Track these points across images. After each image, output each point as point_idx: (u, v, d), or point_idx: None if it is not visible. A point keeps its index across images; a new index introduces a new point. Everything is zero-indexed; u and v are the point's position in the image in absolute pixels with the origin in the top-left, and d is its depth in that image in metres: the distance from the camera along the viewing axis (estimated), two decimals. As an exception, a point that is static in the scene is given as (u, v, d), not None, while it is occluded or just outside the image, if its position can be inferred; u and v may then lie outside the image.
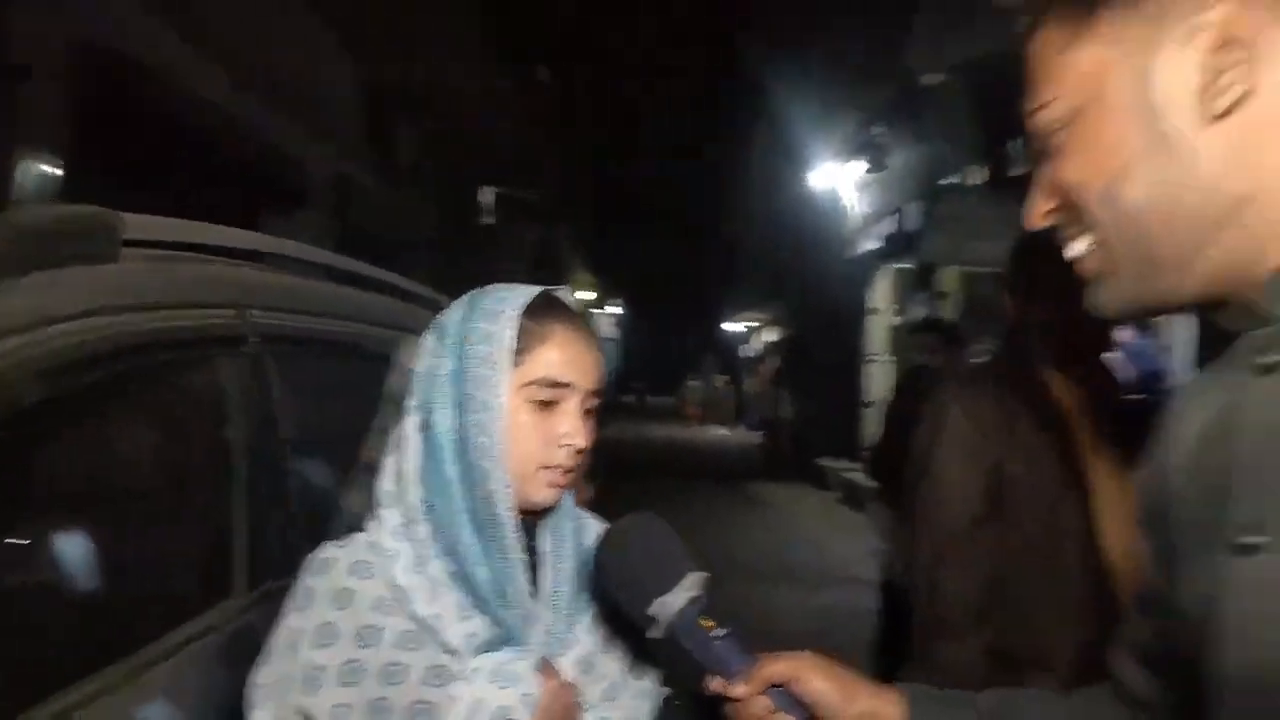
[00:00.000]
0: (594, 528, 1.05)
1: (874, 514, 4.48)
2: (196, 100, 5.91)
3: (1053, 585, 1.46)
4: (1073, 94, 0.64)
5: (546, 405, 0.93)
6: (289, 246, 2.04)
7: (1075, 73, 0.64)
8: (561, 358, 0.94)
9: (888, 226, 9.66)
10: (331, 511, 1.70)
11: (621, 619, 0.97)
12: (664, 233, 38.79)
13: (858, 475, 9.41)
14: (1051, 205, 0.67)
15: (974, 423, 1.49)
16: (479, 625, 0.91)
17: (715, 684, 0.82)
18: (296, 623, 0.92)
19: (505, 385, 0.92)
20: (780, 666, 0.81)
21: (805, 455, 13.15)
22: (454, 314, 0.98)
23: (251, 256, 1.87)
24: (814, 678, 0.80)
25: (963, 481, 1.49)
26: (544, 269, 19.14)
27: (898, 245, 9.30)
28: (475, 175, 13.48)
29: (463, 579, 0.91)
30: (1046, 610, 1.48)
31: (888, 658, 3.73)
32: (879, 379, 10.70)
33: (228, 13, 6.35)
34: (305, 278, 2.03)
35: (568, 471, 0.95)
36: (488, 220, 14.76)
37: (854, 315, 12.77)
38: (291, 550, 1.63)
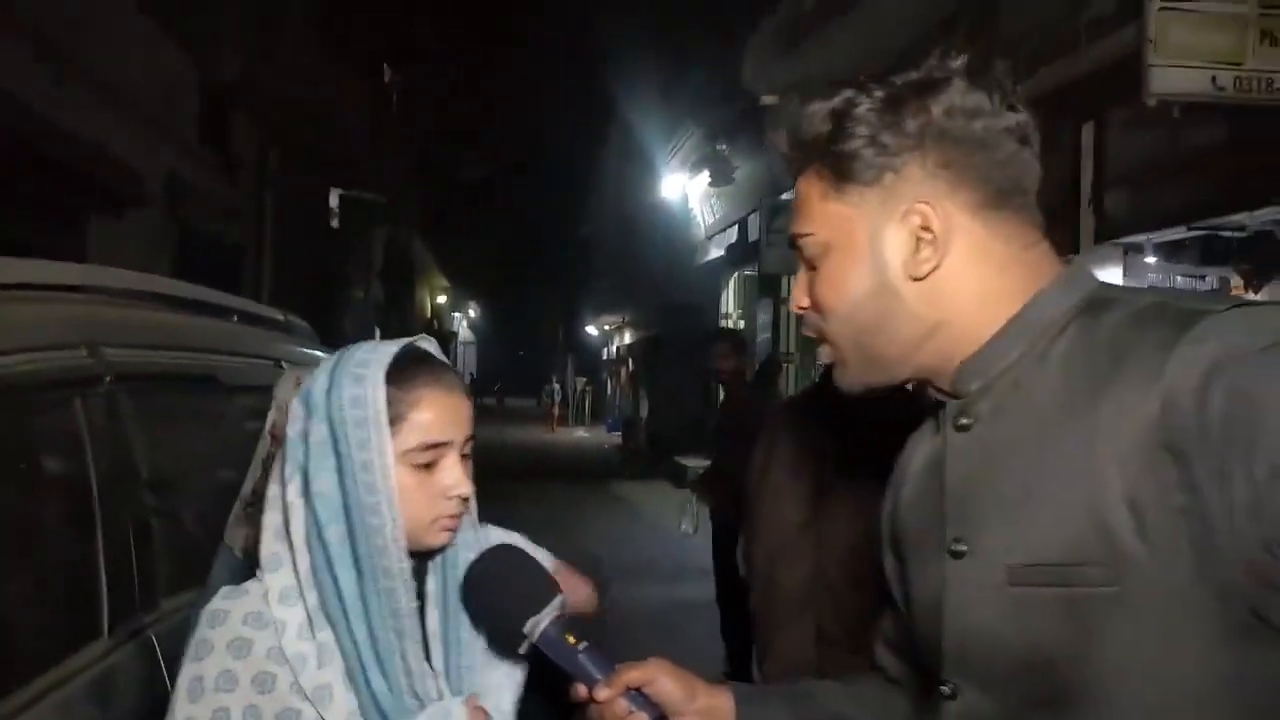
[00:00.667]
0: (480, 541, 1.09)
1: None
2: (9, 99, 5.49)
3: (862, 581, 1.69)
4: (825, 233, 0.83)
5: (428, 465, 0.96)
6: (138, 280, 2.01)
7: (828, 219, 0.83)
8: (434, 419, 0.96)
9: (732, 236, 10.09)
10: (200, 545, 1.72)
11: (496, 642, 1.05)
12: (519, 236, 38.50)
13: (712, 473, 9.76)
14: (807, 304, 0.87)
15: (798, 447, 1.71)
16: (364, 697, 0.94)
17: (581, 690, 0.93)
18: (197, 670, 0.95)
19: (385, 446, 0.94)
20: (635, 673, 0.92)
21: (662, 453, 13.50)
22: (320, 382, 0.99)
23: (100, 290, 1.84)
24: (663, 680, 0.92)
25: (791, 495, 1.72)
26: (393, 273, 18.66)
27: (741, 254, 9.73)
28: (319, 177, 12.99)
29: (347, 645, 0.94)
30: (864, 602, 1.71)
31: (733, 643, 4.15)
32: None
33: (46, 3, 5.94)
34: (155, 309, 2.01)
35: (456, 516, 0.99)
36: (333, 223, 14.29)
37: (706, 319, 13.22)
38: (154, 588, 1.65)
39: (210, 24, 8.46)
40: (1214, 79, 3.15)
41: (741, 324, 12.54)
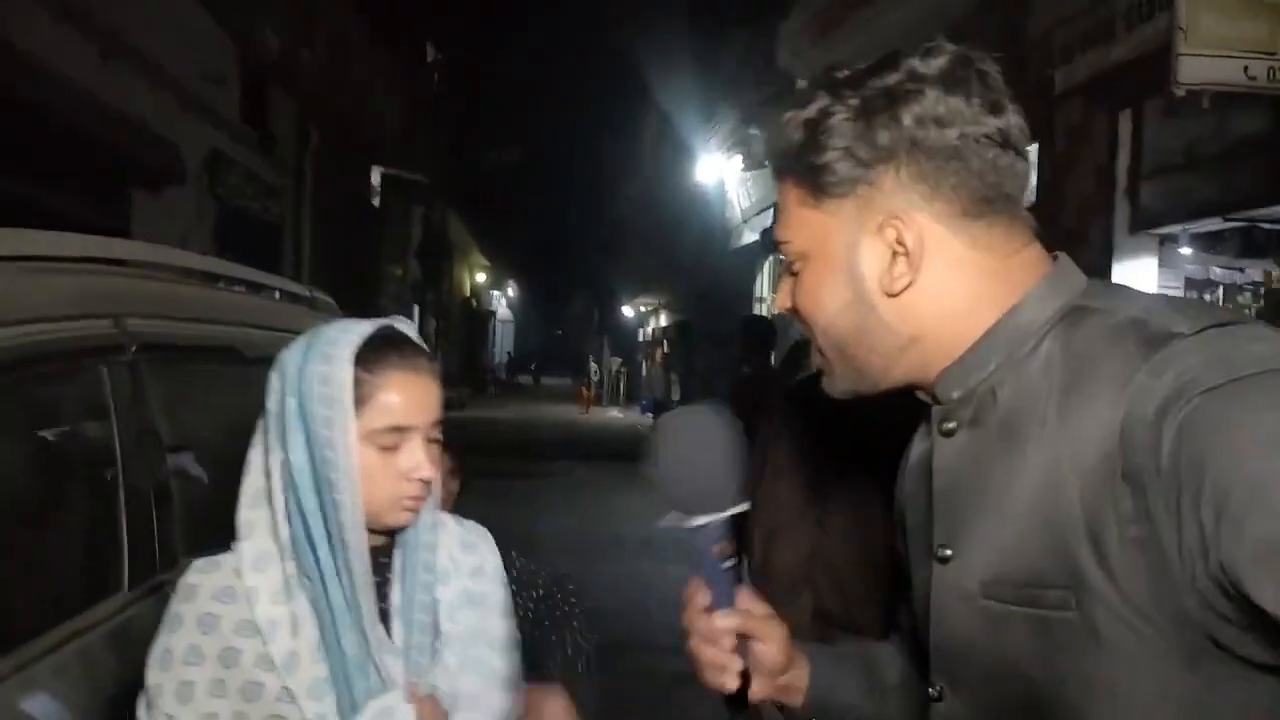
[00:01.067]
0: (453, 530, 1.14)
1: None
2: (59, 77, 5.66)
3: (861, 563, 1.72)
4: (804, 241, 0.83)
5: (392, 447, 0.99)
6: (163, 253, 2.09)
7: (807, 227, 0.82)
8: (400, 403, 0.99)
9: (767, 220, 10.05)
10: (221, 510, 1.80)
11: (483, 615, 1.09)
12: (558, 217, 38.55)
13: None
14: (789, 305, 0.86)
15: (802, 430, 1.75)
16: (327, 670, 0.98)
17: (701, 599, 0.88)
18: (167, 642, 1.01)
19: (349, 423, 0.97)
20: (755, 621, 0.89)
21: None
22: (293, 354, 1.01)
23: (126, 264, 1.92)
24: (774, 642, 0.90)
25: (791, 477, 1.77)
26: (431, 251, 18.82)
27: (773, 238, 9.65)
28: (359, 155, 13.14)
29: (323, 609, 0.98)
30: (857, 582, 1.74)
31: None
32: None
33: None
34: (181, 282, 2.09)
35: (418, 498, 1.02)
36: (374, 201, 14.46)
37: (740, 302, 13.18)
38: (174, 549, 1.73)
39: (252, 2, 8.59)
40: (1246, 69, 3.07)
41: (776, 309, 12.47)
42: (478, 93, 22.56)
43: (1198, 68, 3.09)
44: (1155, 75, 3.45)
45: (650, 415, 17.12)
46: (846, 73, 0.80)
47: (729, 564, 0.88)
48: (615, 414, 23.46)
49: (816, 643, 1.06)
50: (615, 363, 28.40)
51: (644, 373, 25.76)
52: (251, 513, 1.03)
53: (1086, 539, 0.69)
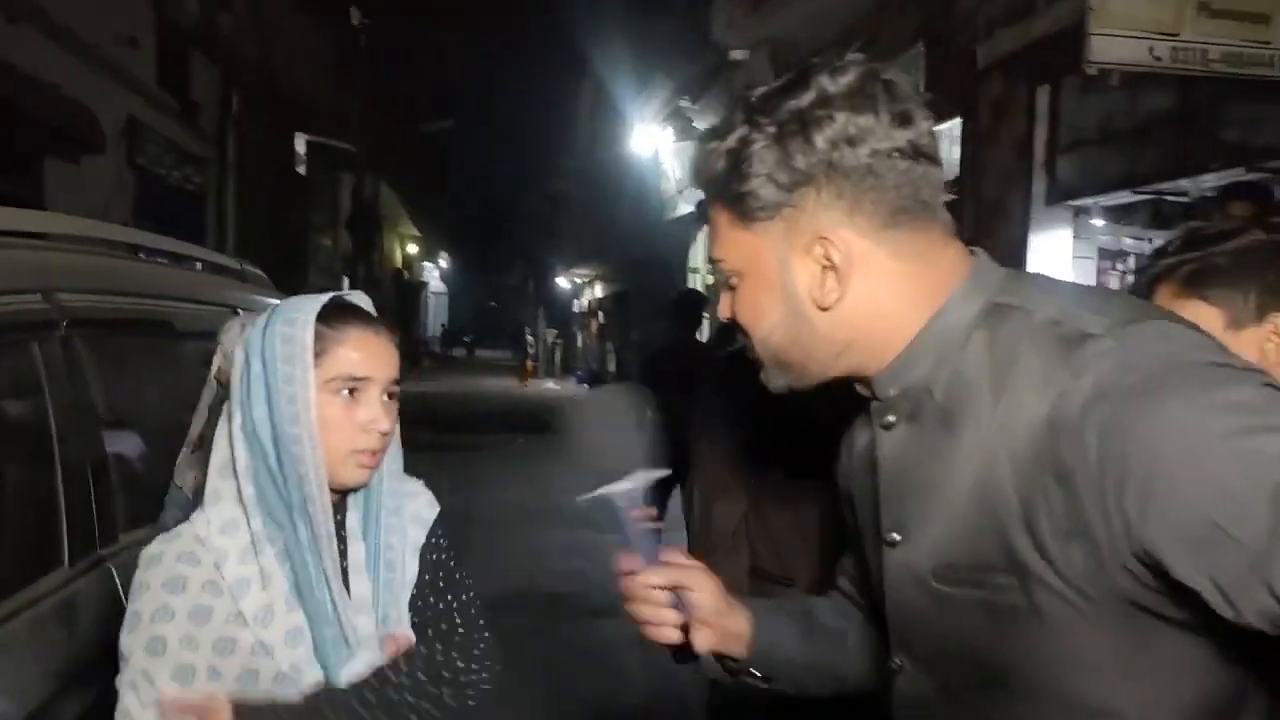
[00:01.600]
0: (423, 497, 1.19)
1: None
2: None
3: (794, 522, 1.82)
4: (737, 261, 0.87)
5: (350, 397, 1.05)
6: (92, 227, 2.05)
7: (739, 247, 0.86)
8: (358, 355, 1.06)
9: (699, 192, 10.09)
10: (157, 484, 1.79)
11: (442, 586, 1.13)
12: (492, 187, 38.00)
13: (676, 426, 9.88)
14: (729, 317, 0.91)
15: (736, 397, 1.81)
16: (301, 619, 1.04)
17: (629, 562, 0.95)
18: (135, 608, 1.04)
19: (309, 380, 1.03)
20: (683, 572, 0.96)
21: (629, 407, 13.58)
22: (258, 324, 1.08)
23: (54, 238, 1.89)
24: (705, 591, 0.96)
25: (727, 440, 1.85)
26: (361, 222, 18.42)
27: (709, 257, 9.70)
28: (284, 122, 12.75)
29: (291, 561, 1.04)
30: (791, 540, 1.84)
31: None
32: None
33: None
34: (112, 256, 2.05)
35: (375, 453, 1.07)
36: (299, 169, 14.08)
37: (676, 273, 13.27)
38: (114, 524, 1.73)
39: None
40: (1151, 49, 3.23)
41: (710, 279, 12.61)
42: (408, 60, 22.00)
43: (1107, 47, 3.24)
44: (1071, 52, 3.61)
45: (587, 386, 17.17)
46: (761, 96, 0.84)
47: (651, 527, 0.94)
48: (551, 385, 23.41)
49: (755, 597, 1.13)
50: (551, 334, 28.31)
51: (580, 344, 25.75)
52: (220, 481, 1.07)
53: (1024, 528, 0.75)
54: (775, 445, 1.81)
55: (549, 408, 16.60)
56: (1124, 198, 4.93)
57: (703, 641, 0.96)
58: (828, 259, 0.82)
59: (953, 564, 0.80)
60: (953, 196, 0.89)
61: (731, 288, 0.89)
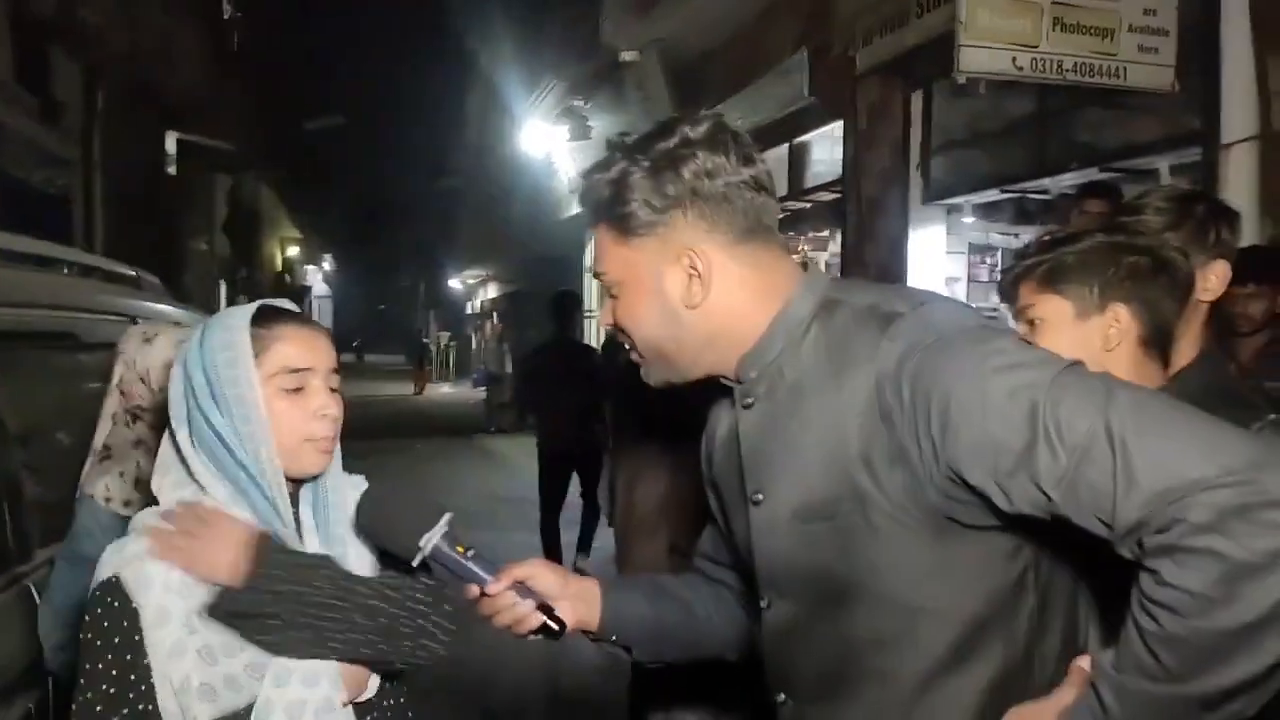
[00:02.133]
0: (353, 483, 1.22)
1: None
2: None
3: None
4: (618, 273, 1.07)
5: (296, 390, 1.10)
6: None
7: (620, 262, 1.06)
8: (296, 348, 1.11)
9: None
10: (64, 498, 1.75)
11: (389, 563, 1.18)
12: (378, 186, 37.05)
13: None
14: (612, 323, 1.10)
15: (644, 400, 1.99)
16: None
17: (472, 590, 1.10)
18: (160, 636, 1.02)
19: (253, 377, 1.08)
20: (518, 569, 1.12)
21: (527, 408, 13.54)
22: (193, 340, 1.12)
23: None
24: (542, 573, 1.13)
25: (645, 433, 2.04)
26: (239, 224, 17.67)
27: (594, 271, 9.79)
28: (154, 121, 12.11)
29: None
30: (704, 519, 1.98)
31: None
32: (596, 334, 11.32)
33: None
34: (8, 267, 1.98)
35: (330, 438, 1.13)
36: (170, 170, 13.40)
37: (569, 271, 13.32)
38: (29, 541, 1.69)
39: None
40: (1014, 60, 3.52)
41: (601, 324, 12.68)
42: (289, 56, 21.21)
43: (975, 57, 3.51)
44: (942, 60, 3.87)
45: (484, 389, 17.03)
46: (634, 141, 1.06)
47: (471, 554, 1.10)
48: (446, 390, 23.09)
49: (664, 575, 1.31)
50: (444, 337, 27.88)
51: (474, 346, 25.45)
52: (181, 493, 1.10)
53: (862, 465, 0.96)
54: (687, 432, 1.97)
55: (446, 413, 16.44)
56: (992, 195, 5.30)
57: (566, 614, 1.12)
58: (693, 268, 1.03)
59: (809, 504, 1.00)
60: (836, 195, 1.08)
61: (614, 297, 1.08)
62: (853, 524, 0.97)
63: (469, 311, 27.34)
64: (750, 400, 1.06)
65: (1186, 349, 1.38)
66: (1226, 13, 3.38)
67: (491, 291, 22.72)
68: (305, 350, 1.12)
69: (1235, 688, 0.78)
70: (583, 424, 5.20)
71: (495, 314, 21.99)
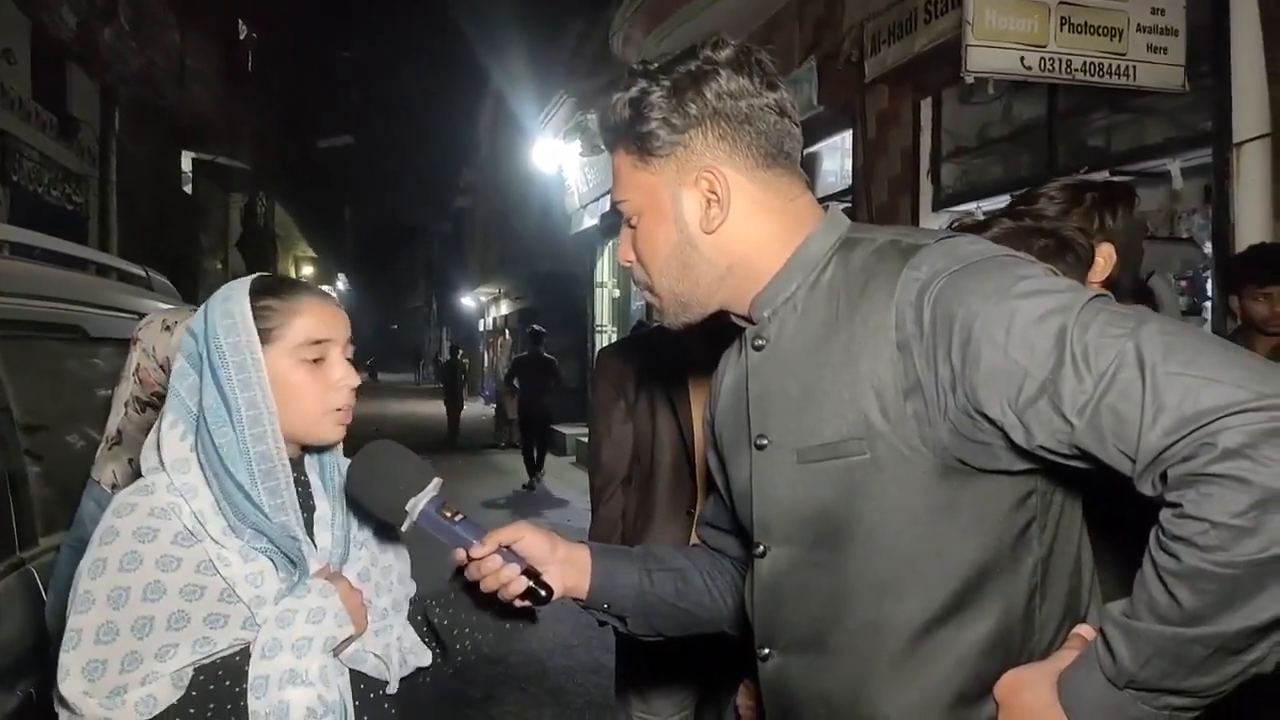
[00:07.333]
0: (343, 459, 1.23)
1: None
2: None
3: (666, 468, 2.12)
4: (637, 199, 1.04)
5: (316, 361, 1.10)
6: (6, 231, 2.00)
7: (638, 186, 1.03)
8: (315, 320, 1.11)
9: (605, 205, 10.25)
10: (69, 486, 1.76)
11: (383, 530, 1.19)
12: (392, 206, 37.29)
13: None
14: (632, 258, 1.07)
15: (618, 374, 2.21)
16: (265, 565, 1.05)
17: (460, 555, 1.08)
18: (102, 554, 1.02)
19: (256, 347, 1.07)
20: (505, 533, 1.10)
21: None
22: (196, 319, 1.11)
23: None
24: (529, 537, 1.11)
25: (613, 406, 2.21)
26: (253, 242, 17.81)
27: (614, 223, 9.87)
28: (169, 140, 12.25)
29: (248, 526, 1.06)
30: (665, 482, 2.12)
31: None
32: (592, 351, 11.32)
33: None
34: (22, 260, 2.01)
35: (349, 408, 1.13)
36: (186, 189, 13.54)
37: (581, 287, 13.36)
38: (32, 528, 1.69)
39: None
40: (1022, 59, 3.51)
41: (616, 293, 12.74)
42: (304, 76, 21.43)
43: (983, 57, 3.51)
44: (950, 66, 3.87)
45: (494, 405, 17.04)
46: (655, 62, 1.02)
47: (460, 518, 1.08)
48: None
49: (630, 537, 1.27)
50: (456, 354, 27.89)
51: (486, 363, 25.50)
52: (185, 454, 1.09)
53: (874, 398, 0.93)
54: (649, 410, 2.18)
55: (463, 428, 16.48)
56: (1003, 201, 5.27)
57: (554, 579, 1.11)
58: (712, 191, 1.00)
59: (816, 445, 0.97)
60: (846, 206, 1.06)
61: (632, 227, 1.06)
62: (858, 464, 0.94)
63: (481, 329, 27.41)
64: (761, 341, 1.04)
65: None
66: (1235, 11, 3.37)
67: (504, 308, 22.78)
68: (325, 320, 1.12)
69: (1261, 627, 0.73)
70: (541, 398, 10.16)
71: (506, 330, 22.03)
